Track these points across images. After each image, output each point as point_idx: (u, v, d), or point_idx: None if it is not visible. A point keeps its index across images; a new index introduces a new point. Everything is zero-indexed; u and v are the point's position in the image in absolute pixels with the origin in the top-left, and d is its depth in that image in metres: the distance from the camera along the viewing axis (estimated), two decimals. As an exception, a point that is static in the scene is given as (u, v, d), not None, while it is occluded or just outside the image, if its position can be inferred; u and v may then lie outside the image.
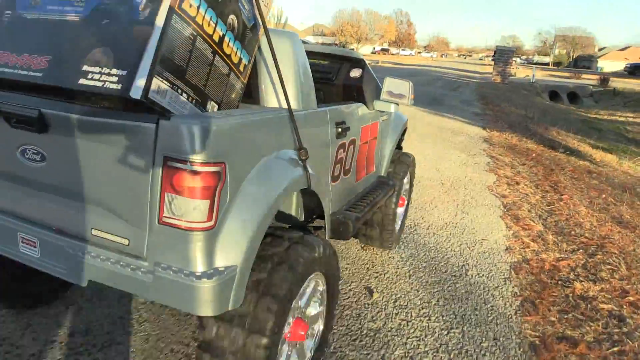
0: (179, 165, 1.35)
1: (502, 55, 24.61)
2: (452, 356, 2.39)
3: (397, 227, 3.56)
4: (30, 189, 1.66)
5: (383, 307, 2.77)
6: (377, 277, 3.12)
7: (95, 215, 1.54)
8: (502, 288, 3.15)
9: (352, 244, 3.57)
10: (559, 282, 3.29)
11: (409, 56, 76.29)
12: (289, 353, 1.82)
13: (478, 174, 6.13)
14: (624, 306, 3.04)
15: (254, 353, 1.52)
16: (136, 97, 1.29)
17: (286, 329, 1.71)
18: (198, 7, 1.42)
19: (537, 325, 2.75)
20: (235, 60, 1.66)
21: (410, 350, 2.40)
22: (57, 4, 1.50)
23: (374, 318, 2.64)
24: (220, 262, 1.45)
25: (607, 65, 63.49)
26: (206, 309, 1.43)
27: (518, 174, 6.34)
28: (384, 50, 75.27)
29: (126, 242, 1.49)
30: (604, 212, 5.01)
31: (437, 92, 17.66)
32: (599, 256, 3.79)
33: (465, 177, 5.94)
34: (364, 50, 66.95)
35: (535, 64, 58.22)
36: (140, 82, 1.30)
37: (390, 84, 2.86)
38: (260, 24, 1.73)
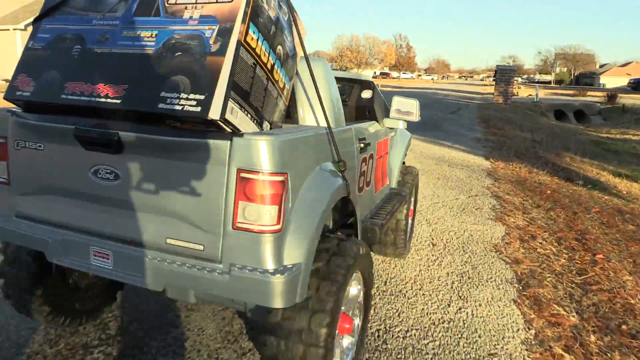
0: (251, 176, 1.57)
1: (504, 74, 23.33)
2: None
3: (408, 236, 3.68)
4: (101, 205, 1.80)
5: None
6: None
7: (168, 226, 1.69)
8: None
9: None
10: None
11: (409, 79, 75.80)
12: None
13: (481, 226, 4.75)
14: None
15: (318, 331, 1.70)
16: (215, 118, 1.51)
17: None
18: (257, 40, 1.68)
19: None
20: (281, 85, 1.91)
21: None
22: (128, 40, 1.70)
23: None
24: (287, 260, 1.65)
25: (609, 81, 62.20)
26: (279, 301, 1.60)
27: (533, 222, 4.97)
28: (384, 74, 74.62)
29: (201, 247, 1.66)
30: (657, 283, 3.60)
31: (435, 115, 16.34)
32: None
33: (464, 232, 4.56)
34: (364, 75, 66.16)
35: (538, 82, 57.16)
36: (217, 104, 1.51)
37: (398, 103, 3.09)
38: (301, 52, 2.03)
